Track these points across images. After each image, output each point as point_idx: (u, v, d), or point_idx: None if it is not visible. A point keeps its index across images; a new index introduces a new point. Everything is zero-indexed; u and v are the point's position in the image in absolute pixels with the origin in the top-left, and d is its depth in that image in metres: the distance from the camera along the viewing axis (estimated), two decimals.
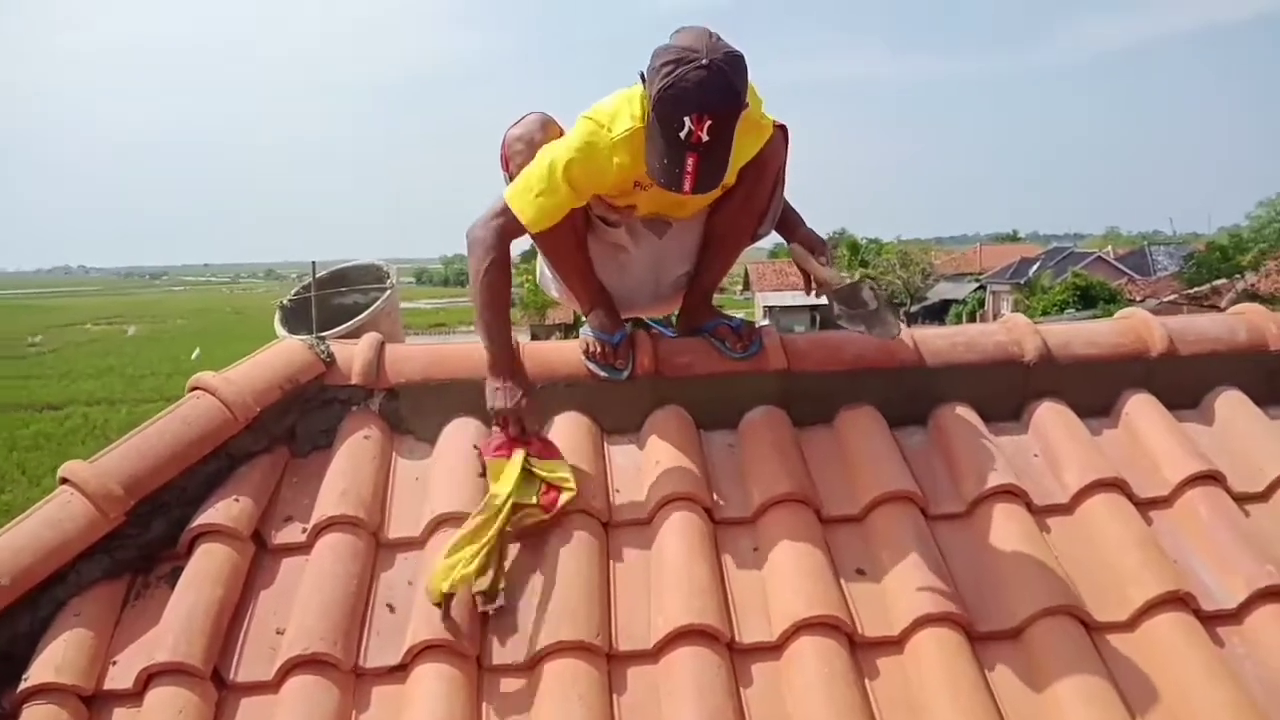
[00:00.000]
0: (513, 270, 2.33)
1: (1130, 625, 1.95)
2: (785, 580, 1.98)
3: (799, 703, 1.79)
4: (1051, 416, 2.38)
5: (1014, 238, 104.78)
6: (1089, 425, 2.39)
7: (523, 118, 2.35)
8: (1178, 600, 1.96)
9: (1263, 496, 2.23)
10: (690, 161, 1.94)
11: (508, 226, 2.21)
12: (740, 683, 1.86)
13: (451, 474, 2.22)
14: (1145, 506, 2.20)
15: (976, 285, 49.16)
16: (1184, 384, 2.46)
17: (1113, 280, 38.11)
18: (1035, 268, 45.32)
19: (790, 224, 2.50)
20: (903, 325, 2.38)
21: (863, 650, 1.92)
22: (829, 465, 2.32)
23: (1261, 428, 2.35)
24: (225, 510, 2.11)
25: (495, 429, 2.27)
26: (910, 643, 1.91)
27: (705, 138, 1.91)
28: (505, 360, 2.26)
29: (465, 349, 2.46)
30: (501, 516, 2.01)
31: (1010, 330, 2.51)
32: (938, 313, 44.19)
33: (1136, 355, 2.46)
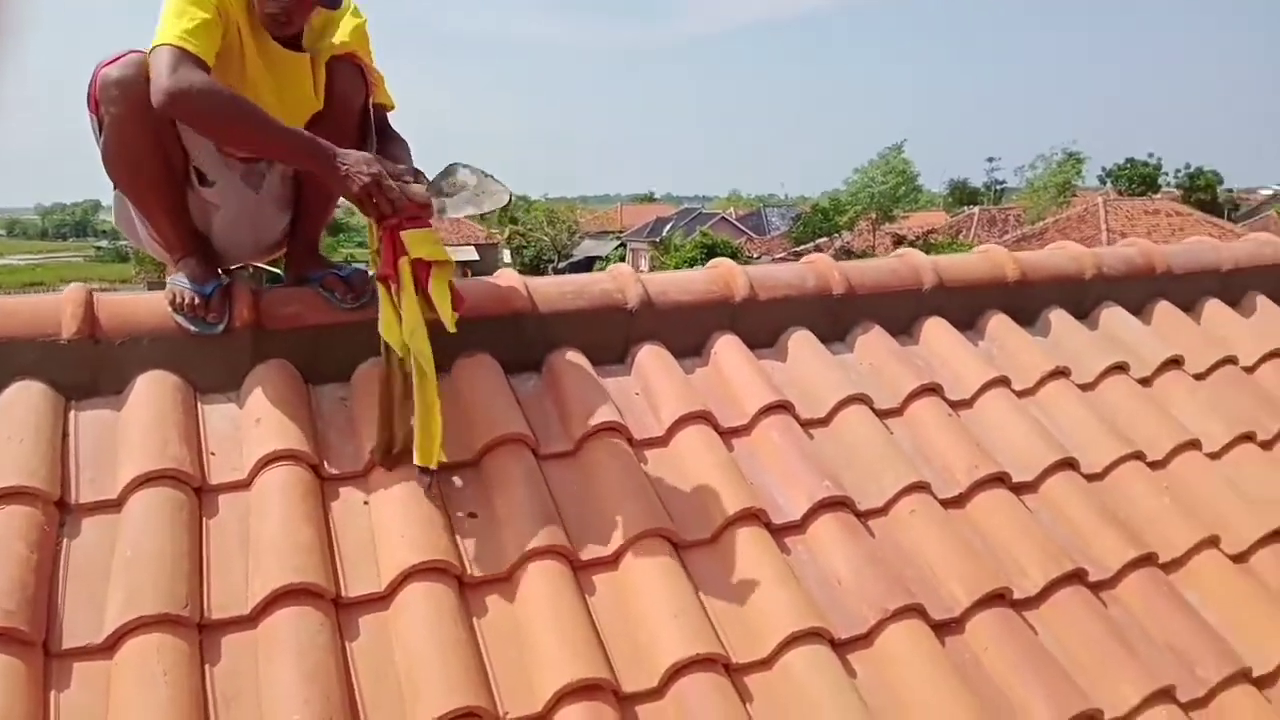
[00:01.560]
0: None
1: (713, 541, 2.16)
2: (394, 530, 1.97)
3: (406, 648, 1.79)
4: (651, 358, 2.55)
5: (650, 198, 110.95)
6: (684, 365, 2.59)
7: (120, 56, 2.07)
8: (752, 516, 2.19)
9: (824, 422, 2.54)
10: None
11: (182, 59, 1.96)
12: (346, 637, 1.82)
13: (9, 446, 1.95)
14: (729, 435, 2.43)
15: (618, 243, 51.56)
16: (763, 325, 2.74)
17: (735, 238, 41.65)
18: (669, 227, 48.41)
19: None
20: (509, 190, 2.17)
21: (473, 590, 1.96)
22: (445, 413, 2.32)
23: (824, 362, 2.68)
24: None
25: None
26: (518, 578, 1.98)
27: None
28: (307, 139, 2.06)
29: (23, 301, 2.17)
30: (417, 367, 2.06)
31: (615, 279, 2.65)
32: (584, 268, 45.81)
33: (723, 300, 2.69)
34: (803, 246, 35.64)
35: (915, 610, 2.07)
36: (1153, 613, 2.25)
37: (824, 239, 36.27)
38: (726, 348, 2.64)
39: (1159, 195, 40.53)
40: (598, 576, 2.04)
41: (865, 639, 2.04)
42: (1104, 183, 51.44)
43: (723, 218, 53.66)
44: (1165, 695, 2.06)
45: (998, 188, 56.07)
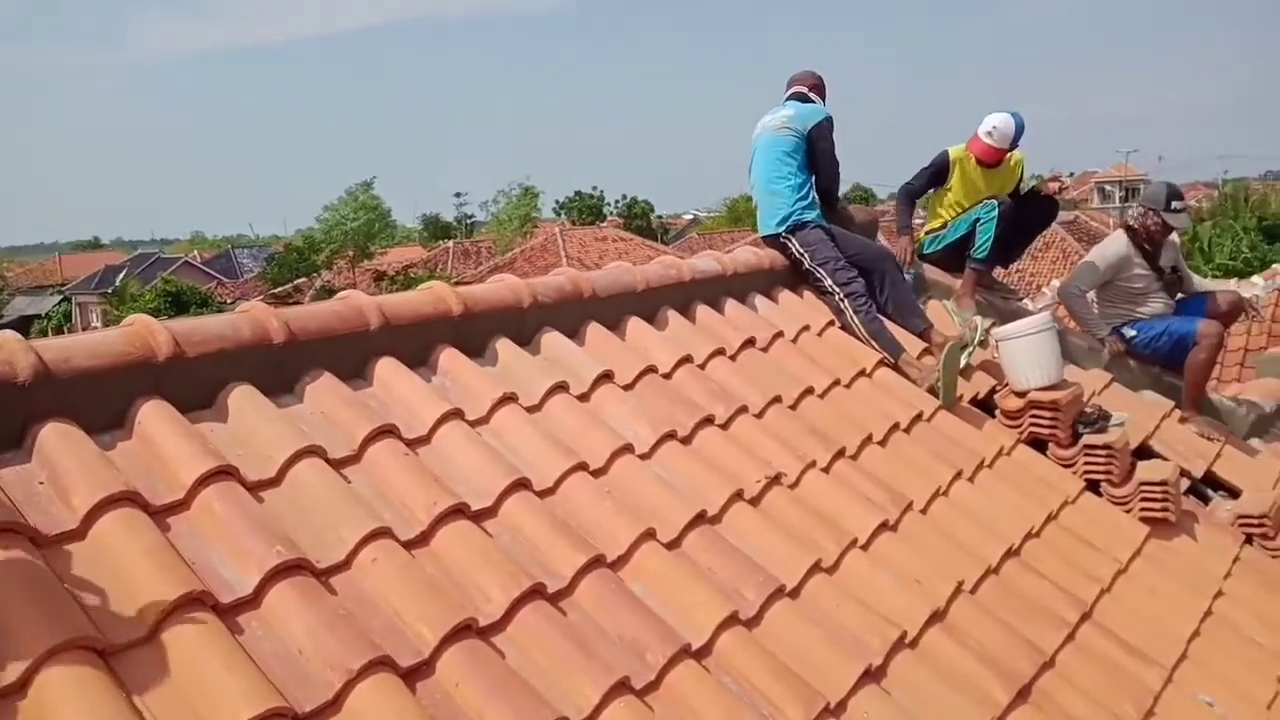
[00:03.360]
0: None
1: (149, 639, 1.89)
2: None
3: None
4: (56, 438, 2.19)
5: (97, 245, 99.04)
6: (101, 441, 2.27)
7: None
8: (194, 601, 1.97)
9: (275, 481, 2.39)
10: None
11: None
12: None
13: None
14: (162, 514, 2.18)
15: (61, 297, 45.32)
16: (197, 384, 2.50)
17: (203, 284, 38.62)
18: (122, 275, 43.48)
19: None
20: None
21: None
22: None
23: (270, 417, 2.52)
24: None
25: None
26: None
27: None
28: None
29: None
30: None
31: None
32: (19, 329, 39.18)
33: (144, 361, 2.40)
34: (281, 288, 34.17)
35: (383, 663, 2.01)
36: (605, 610, 2.43)
37: (303, 279, 35.09)
38: (152, 415, 2.36)
39: (605, 223, 45.49)
40: None
41: (333, 705, 1.93)
42: (558, 214, 56.43)
43: (186, 261, 49.60)
44: (622, 687, 2.23)
45: (468, 221, 58.71)
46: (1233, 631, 3.52)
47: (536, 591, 2.36)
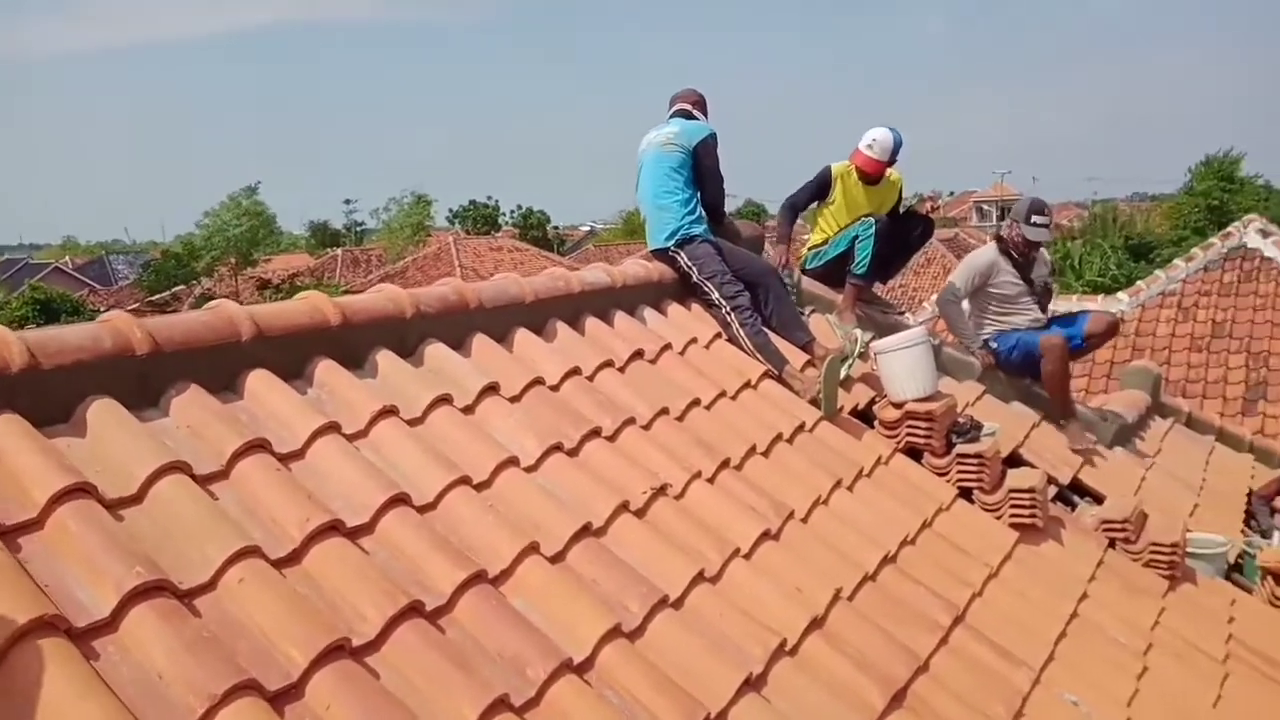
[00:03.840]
0: None
1: None
2: None
3: None
4: None
5: None
6: None
7: None
8: (47, 625, 1.86)
9: (136, 499, 2.28)
10: None
11: None
12: None
13: None
14: (13, 534, 2.05)
15: None
16: (53, 398, 2.37)
17: (75, 291, 36.77)
18: None
19: None
20: None
21: None
22: None
23: (132, 432, 2.40)
24: None
25: None
26: None
27: None
28: None
29: None
30: None
31: None
32: None
33: None
34: (159, 296, 32.79)
35: (248, 687, 1.93)
36: (485, 626, 2.39)
37: (182, 287, 33.74)
38: (3, 430, 2.22)
39: (500, 233, 45.18)
40: None
41: None
42: (452, 223, 55.58)
43: (57, 268, 47.24)
44: (501, 704, 2.19)
45: (358, 229, 57.38)
46: (1097, 632, 3.69)
47: (414, 609, 2.31)
